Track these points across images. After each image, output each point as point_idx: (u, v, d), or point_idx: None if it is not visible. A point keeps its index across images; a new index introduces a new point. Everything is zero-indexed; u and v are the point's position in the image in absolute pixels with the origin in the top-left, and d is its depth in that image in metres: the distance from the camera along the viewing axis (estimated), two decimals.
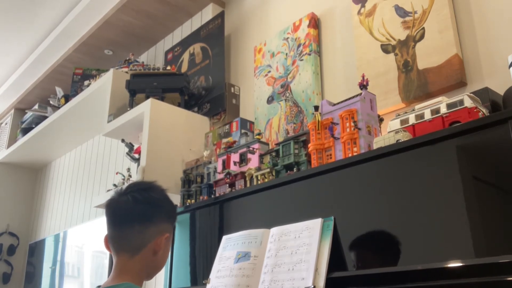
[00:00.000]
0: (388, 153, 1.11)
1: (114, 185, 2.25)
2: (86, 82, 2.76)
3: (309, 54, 1.82)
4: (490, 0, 1.36)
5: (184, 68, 2.52)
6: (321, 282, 1.07)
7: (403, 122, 1.17)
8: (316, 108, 1.43)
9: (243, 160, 1.65)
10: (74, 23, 2.84)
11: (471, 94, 1.09)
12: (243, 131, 1.87)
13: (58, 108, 3.03)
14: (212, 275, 1.37)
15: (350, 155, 1.26)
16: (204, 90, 2.32)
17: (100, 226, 2.54)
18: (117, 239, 1.16)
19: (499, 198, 0.91)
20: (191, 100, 2.35)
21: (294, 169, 1.42)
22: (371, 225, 1.11)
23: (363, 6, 1.67)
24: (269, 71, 2.00)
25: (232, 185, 1.63)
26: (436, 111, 1.11)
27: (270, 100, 1.95)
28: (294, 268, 1.15)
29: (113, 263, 1.15)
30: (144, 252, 1.14)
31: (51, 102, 3.19)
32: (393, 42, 1.54)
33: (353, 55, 1.69)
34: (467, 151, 0.98)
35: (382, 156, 1.12)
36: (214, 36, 2.36)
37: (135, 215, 1.15)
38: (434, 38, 1.42)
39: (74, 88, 2.93)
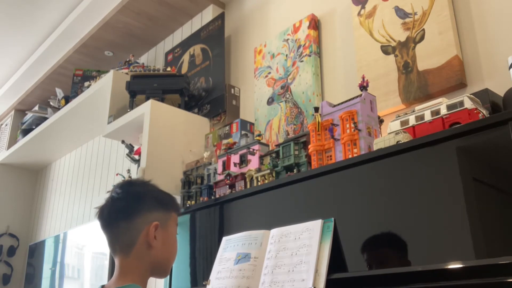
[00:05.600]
0: (388, 154, 1.11)
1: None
2: (86, 83, 2.76)
3: (309, 56, 1.82)
4: (490, 1, 1.36)
5: (184, 70, 2.52)
6: (321, 283, 1.07)
7: (403, 123, 1.17)
8: (316, 109, 1.43)
9: (243, 161, 1.65)
10: (74, 24, 2.84)
11: (471, 96, 1.09)
12: (243, 132, 1.87)
13: (58, 109, 3.04)
14: (212, 276, 1.37)
15: (350, 156, 1.26)
16: (204, 91, 2.32)
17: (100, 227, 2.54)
18: (110, 242, 1.15)
19: (499, 199, 0.91)
20: (191, 101, 2.35)
21: (294, 170, 1.42)
22: (371, 226, 1.11)
23: (363, 7, 1.67)
24: (269, 72, 2.00)
25: (232, 186, 1.63)
26: (436, 112, 1.11)
27: (270, 101, 1.96)
28: (294, 269, 1.15)
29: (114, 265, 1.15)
30: (137, 248, 1.11)
31: (51, 103, 3.19)
32: (393, 44, 1.54)
33: (353, 56, 1.69)
34: (467, 152, 0.98)
35: (382, 157, 1.12)
36: (214, 37, 2.37)
37: (116, 213, 1.13)
38: (434, 40, 1.42)
39: (74, 89, 2.93)
